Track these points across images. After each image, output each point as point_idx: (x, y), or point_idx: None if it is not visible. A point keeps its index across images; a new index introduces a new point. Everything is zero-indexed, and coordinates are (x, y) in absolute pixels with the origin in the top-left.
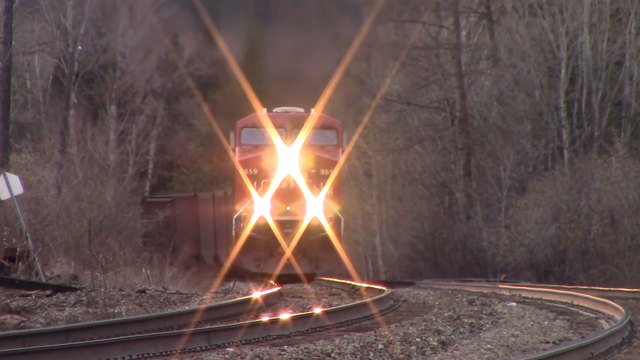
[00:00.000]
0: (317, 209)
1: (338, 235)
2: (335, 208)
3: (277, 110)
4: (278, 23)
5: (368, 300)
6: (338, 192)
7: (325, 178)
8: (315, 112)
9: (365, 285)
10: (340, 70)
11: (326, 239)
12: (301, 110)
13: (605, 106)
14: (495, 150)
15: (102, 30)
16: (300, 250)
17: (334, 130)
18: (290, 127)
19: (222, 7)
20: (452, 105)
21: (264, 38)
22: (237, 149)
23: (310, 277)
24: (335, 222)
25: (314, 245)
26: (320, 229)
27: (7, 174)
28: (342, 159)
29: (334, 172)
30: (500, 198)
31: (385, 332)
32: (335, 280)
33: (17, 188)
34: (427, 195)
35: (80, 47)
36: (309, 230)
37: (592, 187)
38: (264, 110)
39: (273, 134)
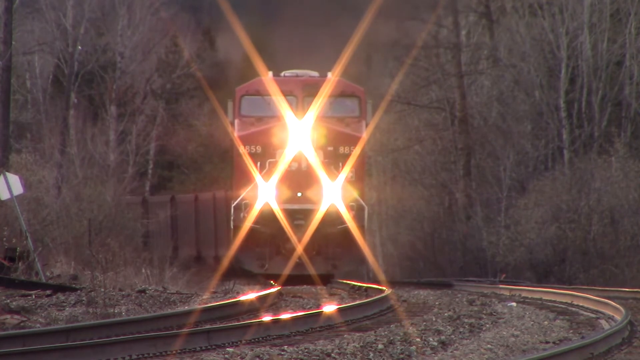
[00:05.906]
0: (335, 195)
1: (361, 227)
2: (356, 194)
3: (286, 75)
4: (279, 21)
5: (367, 300)
6: (361, 174)
7: (345, 157)
8: (333, 77)
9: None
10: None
11: (346, 232)
12: (315, 74)
13: (605, 106)
14: (495, 150)
15: (102, 30)
16: (315, 246)
17: (356, 98)
18: (301, 94)
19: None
20: (452, 105)
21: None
22: (236, 121)
23: (326, 279)
24: (358, 211)
25: (331, 240)
26: (338, 220)
27: (7, 174)
28: (365, 134)
29: (356, 150)
30: (500, 198)
31: (385, 332)
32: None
33: (17, 188)
34: (427, 195)
35: (80, 47)
36: (325, 222)
37: (592, 187)
38: (270, 74)
39: (281, 103)
